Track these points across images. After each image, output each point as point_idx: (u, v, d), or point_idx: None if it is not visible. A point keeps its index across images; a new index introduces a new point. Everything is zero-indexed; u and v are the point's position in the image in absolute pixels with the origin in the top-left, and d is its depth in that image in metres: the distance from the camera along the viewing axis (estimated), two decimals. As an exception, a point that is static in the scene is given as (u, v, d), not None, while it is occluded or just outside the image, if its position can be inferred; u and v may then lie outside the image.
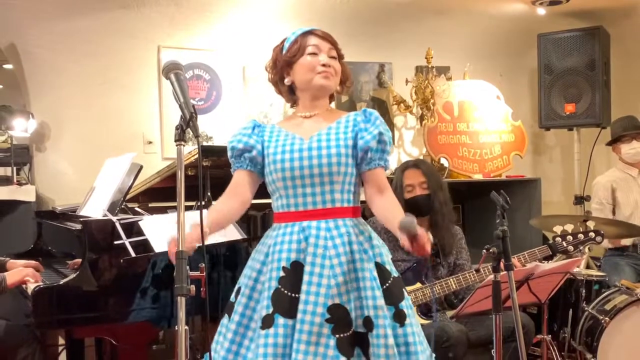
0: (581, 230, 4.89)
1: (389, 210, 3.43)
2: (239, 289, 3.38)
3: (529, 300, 4.58)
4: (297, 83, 3.44)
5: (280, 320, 3.15)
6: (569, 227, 4.87)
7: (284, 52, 3.44)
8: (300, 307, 3.16)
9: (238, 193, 3.44)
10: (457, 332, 4.49)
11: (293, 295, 3.19)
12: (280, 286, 3.21)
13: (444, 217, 4.96)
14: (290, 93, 3.53)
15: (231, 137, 3.47)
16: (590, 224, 5.02)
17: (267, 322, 3.16)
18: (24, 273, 4.42)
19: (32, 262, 4.83)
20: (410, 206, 4.94)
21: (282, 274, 3.23)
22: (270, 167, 3.35)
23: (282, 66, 3.45)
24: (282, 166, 3.31)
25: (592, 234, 4.85)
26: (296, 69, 3.41)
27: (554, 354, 5.22)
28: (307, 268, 3.23)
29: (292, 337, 3.14)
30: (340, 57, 3.48)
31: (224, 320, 3.38)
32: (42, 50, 6.59)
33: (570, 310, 5.51)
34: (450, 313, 4.83)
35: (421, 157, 7.76)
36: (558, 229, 4.88)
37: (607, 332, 4.95)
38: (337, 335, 3.15)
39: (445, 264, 4.97)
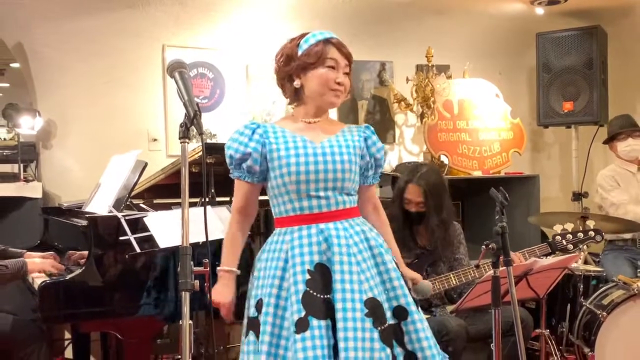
0: (581, 229, 4.90)
1: (384, 235, 3.56)
2: (260, 301, 3.26)
3: (528, 295, 4.58)
4: (307, 91, 3.37)
5: (314, 322, 3.11)
6: (569, 226, 4.87)
7: (300, 52, 3.34)
8: (339, 305, 3.14)
9: (249, 213, 3.47)
10: (457, 326, 4.48)
11: (323, 296, 3.17)
12: (308, 288, 3.17)
13: (438, 236, 4.90)
14: (294, 93, 3.44)
15: (228, 141, 3.37)
16: (591, 222, 5.02)
17: (302, 325, 3.11)
18: (46, 263, 4.44)
19: (49, 253, 4.84)
20: (408, 218, 4.93)
21: (307, 276, 3.19)
22: (282, 169, 3.26)
23: (296, 67, 3.35)
24: (297, 169, 3.25)
25: (591, 233, 4.86)
26: (310, 77, 3.34)
27: (552, 348, 5.21)
28: (336, 267, 3.21)
29: (327, 338, 3.11)
30: (350, 69, 3.45)
31: (250, 337, 3.26)
32: (48, 49, 6.60)
33: (569, 305, 5.51)
34: (450, 308, 4.83)
35: (422, 155, 7.78)
36: (558, 227, 4.89)
37: (604, 326, 4.94)
38: (378, 328, 3.18)
39: (445, 260, 4.96)
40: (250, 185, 3.38)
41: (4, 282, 4.38)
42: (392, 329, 3.26)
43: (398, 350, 3.25)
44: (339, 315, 3.12)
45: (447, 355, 3.50)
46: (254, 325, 3.24)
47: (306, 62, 3.32)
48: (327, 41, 3.36)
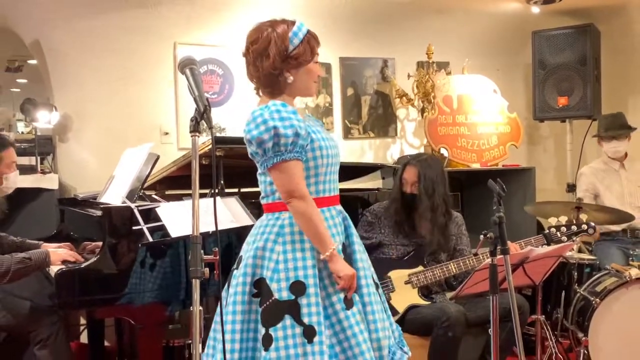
0: (574, 222, 4.91)
1: None
2: (297, 283, 3.12)
3: (524, 282, 4.57)
4: (297, 84, 3.28)
5: (356, 297, 3.21)
6: (563, 219, 4.88)
7: (293, 48, 3.21)
8: (363, 282, 3.26)
9: None
10: (456, 312, 4.48)
11: None
12: None
13: (430, 220, 4.84)
14: (283, 86, 3.28)
15: (279, 121, 3.09)
16: (583, 216, 5.01)
17: (349, 302, 3.18)
18: (66, 254, 4.44)
19: (65, 244, 4.84)
20: (404, 201, 4.92)
21: (343, 256, 3.23)
22: (316, 152, 3.19)
23: (292, 64, 3.22)
24: (328, 153, 3.23)
25: (584, 226, 4.88)
26: (302, 73, 3.26)
27: (547, 333, 5.20)
28: (356, 247, 3.32)
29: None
30: None
31: (286, 321, 3.08)
32: (64, 46, 6.59)
33: (563, 291, 5.51)
34: (449, 294, 4.83)
35: (422, 148, 7.78)
36: (553, 220, 4.89)
37: (597, 312, 4.94)
38: (382, 300, 3.39)
39: (445, 249, 4.94)
40: (302, 164, 3.18)
41: (29, 274, 4.36)
42: None
43: None
44: (364, 290, 3.26)
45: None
46: (292, 308, 3.10)
47: (304, 60, 3.25)
48: (310, 34, 3.30)
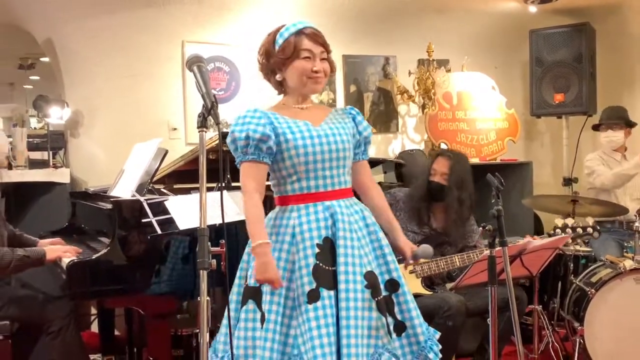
0: (580, 225, 4.91)
1: (382, 207, 3.61)
2: None
3: (522, 273, 4.56)
4: (290, 82, 3.35)
5: (325, 292, 3.15)
6: (570, 221, 4.89)
7: (277, 48, 3.31)
8: (342, 277, 3.17)
9: (262, 192, 3.30)
10: (457, 302, 4.48)
11: (330, 268, 3.20)
12: (318, 262, 3.19)
13: (455, 212, 4.86)
14: (280, 85, 3.43)
15: (239, 126, 3.25)
16: (582, 209, 5.01)
17: (314, 296, 3.14)
18: (63, 249, 4.44)
19: (56, 239, 4.85)
20: (429, 189, 4.93)
21: (317, 250, 3.20)
22: (290, 152, 3.22)
23: (275, 63, 3.33)
24: (305, 151, 3.22)
25: (589, 229, 4.90)
26: (289, 70, 3.31)
27: (544, 323, 5.22)
28: (340, 242, 3.23)
29: (336, 307, 3.15)
30: (328, 52, 3.40)
31: (249, 305, 3.25)
32: (76, 45, 6.60)
33: (560, 282, 5.52)
34: (449, 285, 4.83)
35: (423, 143, 7.77)
36: (559, 221, 4.92)
37: (593, 302, 4.94)
38: (375, 299, 3.23)
39: (454, 244, 4.95)
40: (266, 166, 3.27)
41: (23, 270, 4.40)
42: (384, 300, 3.30)
43: (389, 319, 3.30)
44: (341, 286, 3.17)
45: (429, 327, 3.51)
46: (255, 294, 3.24)
47: (283, 58, 3.30)
48: (299, 33, 3.31)
